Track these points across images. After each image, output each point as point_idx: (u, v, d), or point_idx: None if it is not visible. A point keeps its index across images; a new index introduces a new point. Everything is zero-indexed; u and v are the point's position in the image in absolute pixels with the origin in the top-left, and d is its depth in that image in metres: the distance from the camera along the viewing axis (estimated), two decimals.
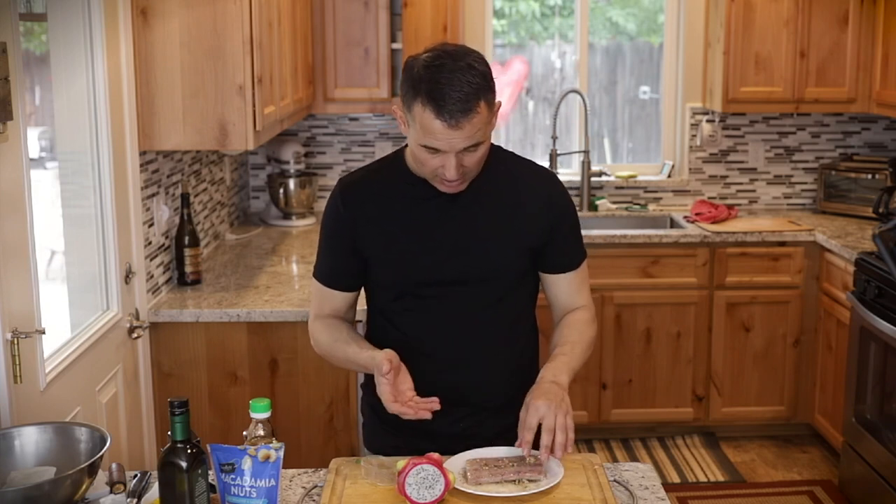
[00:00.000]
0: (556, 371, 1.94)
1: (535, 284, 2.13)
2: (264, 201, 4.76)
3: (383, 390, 1.86)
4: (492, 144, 2.03)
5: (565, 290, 2.09)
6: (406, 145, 2.03)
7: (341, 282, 2.08)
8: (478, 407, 2.04)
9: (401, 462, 1.78)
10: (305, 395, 3.17)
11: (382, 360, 1.86)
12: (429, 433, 2.00)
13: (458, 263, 1.98)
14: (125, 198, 2.93)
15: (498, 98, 1.90)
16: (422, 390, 1.90)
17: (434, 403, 1.87)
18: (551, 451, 1.80)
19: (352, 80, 4.30)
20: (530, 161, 2.13)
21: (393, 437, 2.08)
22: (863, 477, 3.74)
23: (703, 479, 4.12)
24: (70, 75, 2.72)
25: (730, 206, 4.67)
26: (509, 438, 1.93)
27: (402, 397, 1.87)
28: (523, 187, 2.03)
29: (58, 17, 2.67)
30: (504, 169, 2.04)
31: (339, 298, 2.09)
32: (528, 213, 2.01)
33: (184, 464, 1.59)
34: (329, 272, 2.08)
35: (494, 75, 1.88)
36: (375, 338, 2.07)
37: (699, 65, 4.77)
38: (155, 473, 1.80)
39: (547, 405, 1.82)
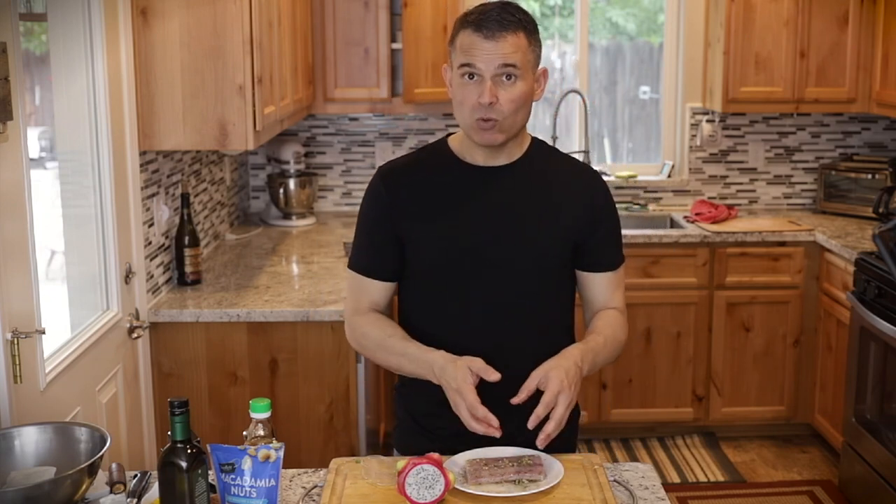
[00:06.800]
0: (584, 355, 1.90)
1: (574, 284, 2.10)
2: (264, 201, 4.76)
3: (471, 401, 1.79)
4: (535, 138, 2.06)
5: (601, 290, 2.07)
6: (449, 134, 2.05)
7: (380, 270, 2.04)
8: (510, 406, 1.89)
9: (401, 462, 1.78)
10: (305, 395, 3.17)
11: (467, 372, 1.81)
12: (468, 438, 1.89)
13: (498, 248, 1.96)
14: (125, 198, 2.93)
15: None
16: None
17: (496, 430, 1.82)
18: (540, 430, 1.78)
19: (352, 80, 4.30)
20: (575, 158, 2.16)
21: (428, 442, 2.01)
22: (863, 477, 3.74)
23: (703, 479, 4.12)
24: (70, 75, 2.72)
25: (730, 206, 4.67)
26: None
27: (476, 411, 1.81)
28: (567, 181, 2.03)
29: (58, 17, 2.67)
30: (548, 161, 2.05)
31: (376, 289, 2.05)
32: (570, 206, 2.01)
33: (184, 464, 1.59)
34: (367, 261, 2.05)
35: None
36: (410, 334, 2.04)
37: (699, 65, 4.77)
38: (155, 473, 1.80)
39: (558, 381, 1.80)
